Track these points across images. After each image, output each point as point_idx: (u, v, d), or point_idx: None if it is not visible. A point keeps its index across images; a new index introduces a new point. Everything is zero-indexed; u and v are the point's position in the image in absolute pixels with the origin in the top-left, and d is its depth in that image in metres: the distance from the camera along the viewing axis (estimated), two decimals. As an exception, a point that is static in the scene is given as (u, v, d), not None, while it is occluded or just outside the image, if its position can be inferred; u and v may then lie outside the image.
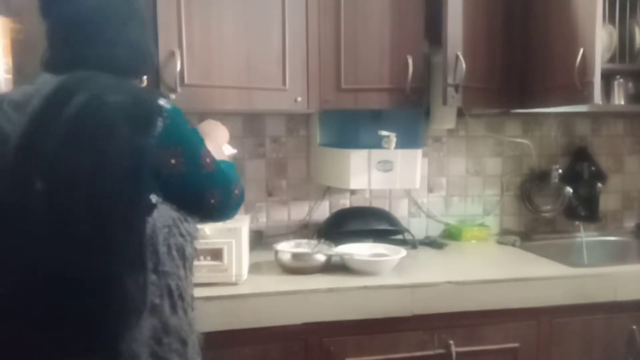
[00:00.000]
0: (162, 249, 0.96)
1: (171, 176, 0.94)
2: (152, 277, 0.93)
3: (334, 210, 2.13)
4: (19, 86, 1.00)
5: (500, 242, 2.12)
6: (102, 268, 0.88)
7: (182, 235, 1.02)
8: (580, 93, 1.59)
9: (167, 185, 0.94)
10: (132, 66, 1.06)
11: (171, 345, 0.98)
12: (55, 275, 0.87)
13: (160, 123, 0.92)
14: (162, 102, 0.95)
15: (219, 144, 1.28)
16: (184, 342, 1.01)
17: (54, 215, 0.86)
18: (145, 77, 1.14)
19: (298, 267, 1.63)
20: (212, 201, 1.01)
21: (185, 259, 1.03)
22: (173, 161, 0.94)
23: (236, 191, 1.06)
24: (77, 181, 0.87)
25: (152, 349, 0.95)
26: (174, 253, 0.99)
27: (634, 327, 1.67)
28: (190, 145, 0.98)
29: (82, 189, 0.87)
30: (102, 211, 0.88)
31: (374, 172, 1.84)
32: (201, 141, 1.01)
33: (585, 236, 2.12)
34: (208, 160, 1.00)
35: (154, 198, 0.93)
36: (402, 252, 1.69)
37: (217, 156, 1.09)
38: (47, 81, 0.95)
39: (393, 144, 1.75)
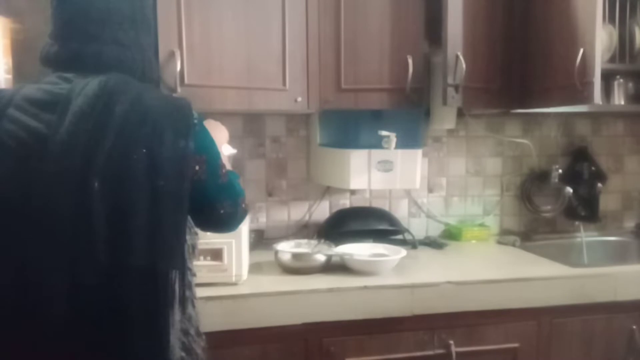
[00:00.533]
0: (187, 246, 1.02)
1: (194, 182, 0.96)
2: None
3: (334, 210, 2.13)
4: (26, 84, 0.98)
5: (500, 242, 2.12)
6: (150, 264, 0.91)
7: (196, 233, 1.09)
8: (580, 93, 1.59)
9: (191, 191, 0.96)
10: (139, 68, 1.06)
11: (193, 335, 1.05)
12: (112, 271, 0.89)
13: (194, 129, 0.96)
14: (193, 109, 0.99)
15: (219, 144, 1.28)
16: (198, 332, 1.07)
17: (110, 216, 0.88)
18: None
19: (298, 267, 1.63)
20: (222, 212, 1.03)
21: (194, 256, 1.09)
22: (197, 168, 0.96)
23: (243, 205, 1.08)
24: (131, 179, 0.89)
25: (181, 340, 1.02)
26: (191, 249, 1.05)
27: (634, 327, 1.67)
28: (212, 154, 1.01)
29: (136, 189, 0.90)
30: (156, 212, 0.90)
31: (374, 172, 1.84)
32: (219, 152, 1.04)
33: (585, 236, 2.12)
34: (224, 171, 1.03)
35: None
36: (402, 252, 1.69)
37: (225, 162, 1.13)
38: (83, 81, 0.95)
39: (393, 144, 1.75)
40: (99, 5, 1.00)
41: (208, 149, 1.01)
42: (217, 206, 1.02)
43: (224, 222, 1.06)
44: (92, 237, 0.88)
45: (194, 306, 1.07)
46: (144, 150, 0.90)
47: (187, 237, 1.02)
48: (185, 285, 1.01)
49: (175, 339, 0.99)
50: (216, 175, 1.01)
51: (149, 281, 0.92)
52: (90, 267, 0.88)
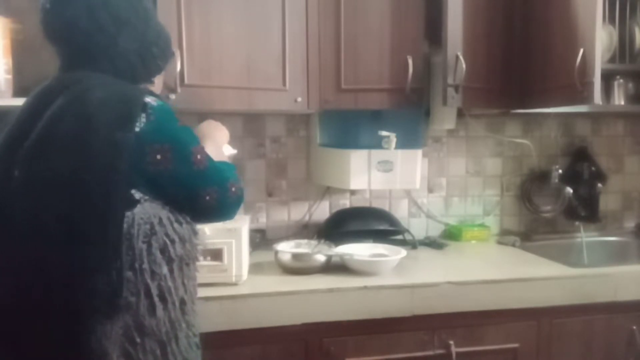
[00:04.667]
0: (141, 246, 0.93)
1: (158, 173, 0.94)
2: (128, 274, 0.92)
3: (334, 210, 2.13)
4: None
5: (500, 243, 2.12)
6: (72, 262, 0.88)
7: (167, 235, 0.98)
8: (580, 93, 1.59)
9: (156, 181, 0.94)
10: (148, 71, 1.07)
11: (145, 346, 0.95)
12: (27, 267, 0.89)
13: (143, 119, 0.93)
14: (148, 99, 0.95)
15: (219, 144, 1.28)
16: (162, 344, 0.97)
17: (28, 207, 0.89)
18: (154, 79, 1.13)
19: (298, 268, 1.63)
20: (208, 198, 1.00)
21: (170, 259, 0.99)
22: (159, 157, 0.93)
23: (233, 189, 1.04)
24: (52, 169, 0.89)
25: (124, 348, 0.93)
26: (155, 252, 0.96)
27: (634, 327, 1.67)
28: (178, 142, 0.97)
29: (56, 177, 0.89)
30: (75, 204, 0.88)
31: (374, 173, 1.84)
32: (193, 139, 1.01)
33: (585, 236, 2.12)
34: (199, 157, 0.99)
35: (137, 194, 0.92)
36: (402, 252, 1.69)
37: (217, 157, 1.09)
38: (48, 81, 1.00)
39: (393, 144, 1.75)
40: (86, 11, 0.99)
41: (171, 137, 0.96)
42: (199, 193, 0.99)
43: (215, 209, 1.03)
44: (8, 228, 0.90)
45: (153, 314, 0.96)
46: (70, 141, 0.90)
47: (154, 238, 0.95)
48: (130, 289, 0.92)
49: (112, 345, 0.91)
50: (187, 162, 0.97)
51: (65, 279, 0.89)
52: (7, 258, 0.90)
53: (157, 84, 1.16)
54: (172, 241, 0.98)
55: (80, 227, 0.88)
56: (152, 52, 1.07)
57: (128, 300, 0.92)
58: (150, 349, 0.96)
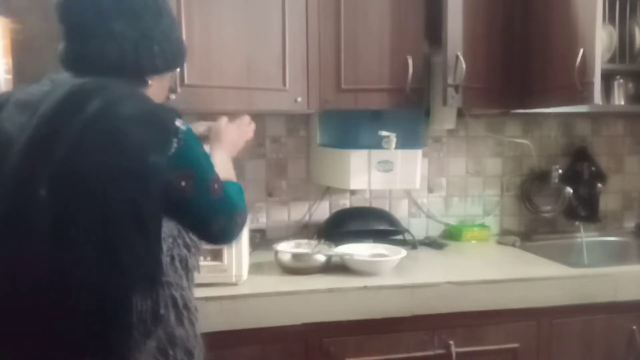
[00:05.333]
0: (166, 259, 0.95)
1: (180, 198, 0.91)
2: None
3: (334, 210, 2.13)
4: (25, 85, 0.97)
5: (500, 243, 2.12)
6: (106, 284, 0.85)
7: (186, 245, 1.02)
8: (580, 93, 1.59)
9: (175, 206, 0.92)
10: (139, 64, 1.00)
11: (177, 356, 0.97)
12: (58, 289, 0.84)
13: (174, 144, 0.89)
14: (178, 122, 0.92)
15: (234, 151, 1.25)
16: (190, 354, 1.00)
17: (57, 227, 0.83)
18: (149, 79, 1.04)
19: (298, 268, 1.63)
20: (215, 227, 0.99)
21: (188, 270, 1.03)
22: (183, 183, 0.91)
23: (238, 219, 1.02)
24: (83, 192, 0.84)
25: None
26: (177, 264, 0.99)
27: (634, 327, 1.67)
28: (201, 170, 0.95)
29: (87, 200, 0.84)
30: (109, 227, 0.84)
31: (374, 173, 1.84)
32: (211, 166, 0.99)
33: (585, 236, 2.12)
34: (217, 186, 0.97)
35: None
36: (402, 252, 1.69)
37: (227, 171, 1.09)
38: (60, 84, 0.92)
39: (393, 144, 1.74)
40: (90, 4, 0.96)
41: (196, 164, 0.94)
42: (210, 221, 0.97)
43: (216, 237, 1.02)
44: (32, 250, 0.83)
45: (181, 324, 0.98)
46: (102, 162, 0.84)
47: (176, 250, 0.97)
48: (160, 303, 0.93)
49: (147, 358, 0.93)
50: (207, 191, 0.95)
51: (97, 300, 0.85)
52: (29, 284, 0.84)
53: (156, 90, 1.06)
54: (190, 251, 1.02)
55: (110, 251, 0.84)
56: (151, 49, 1.00)
57: (160, 313, 0.93)
58: (180, 359, 0.98)
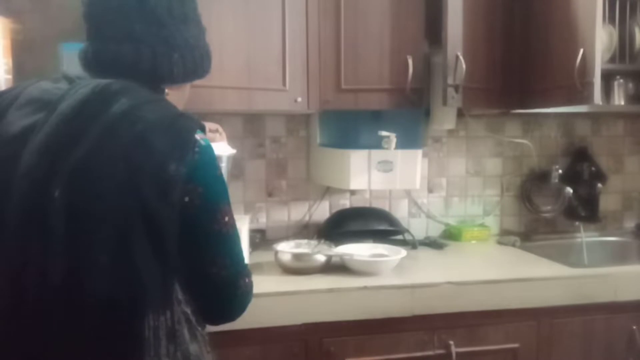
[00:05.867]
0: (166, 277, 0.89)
1: (184, 216, 0.85)
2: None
3: (334, 210, 2.13)
4: (35, 81, 0.94)
5: (500, 243, 2.12)
6: (117, 293, 0.80)
7: None
8: (580, 93, 1.59)
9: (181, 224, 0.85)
10: (156, 71, 0.96)
11: None
12: (69, 293, 0.80)
13: (190, 155, 0.85)
14: (198, 136, 0.88)
15: None
16: None
17: (71, 228, 0.79)
18: (166, 88, 1.00)
19: (298, 268, 1.63)
20: (214, 270, 0.90)
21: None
22: (187, 199, 0.84)
23: (247, 279, 0.96)
24: (100, 195, 0.80)
25: None
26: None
27: (634, 327, 1.67)
28: (211, 191, 0.88)
29: (102, 204, 0.80)
30: (123, 234, 0.80)
31: (374, 173, 1.84)
32: (225, 196, 0.91)
33: (585, 236, 2.12)
34: (226, 219, 0.89)
35: None
36: (402, 252, 1.69)
37: None
38: (82, 83, 0.89)
39: (393, 145, 1.74)
40: (114, 4, 0.94)
41: (207, 183, 0.87)
42: (206, 259, 0.89)
43: (213, 287, 0.91)
44: (47, 252, 0.79)
45: (194, 339, 0.92)
46: (122, 165, 0.80)
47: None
48: (175, 319, 0.88)
49: None
50: (210, 217, 0.88)
51: (110, 312, 0.80)
52: (42, 285, 0.80)
53: (174, 98, 1.01)
54: None
55: (125, 262, 0.80)
56: (170, 56, 0.96)
57: (174, 328, 0.88)
58: None
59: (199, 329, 0.94)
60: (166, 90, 0.99)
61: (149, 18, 0.94)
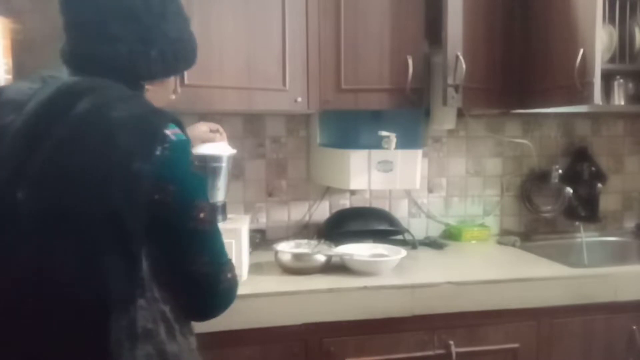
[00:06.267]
0: (148, 274, 0.87)
1: (154, 216, 0.83)
2: (140, 302, 0.86)
3: (334, 210, 2.13)
4: (17, 82, 0.94)
5: (500, 243, 2.12)
6: (82, 293, 0.81)
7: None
8: (580, 93, 1.59)
9: (153, 225, 0.84)
10: (134, 69, 0.94)
11: None
12: (36, 293, 0.81)
13: (157, 152, 0.83)
14: (168, 131, 0.86)
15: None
16: None
17: (38, 229, 0.80)
18: (146, 84, 0.99)
19: (298, 268, 1.63)
20: (194, 267, 0.88)
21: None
22: (157, 197, 0.82)
23: (229, 274, 0.93)
24: (65, 196, 0.80)
25: None
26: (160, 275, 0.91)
27: (634, 327, 1.67)
28: (183, 188, 0.85)
29: (68, 205, 0.80)
30: (87, 235, 0.80)
31: (374, 173, 1.84)
32: (202, 191, 0.90)
33: (585, 236, 2.12)
34: (202, 215, 0.87)
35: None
36: (402, 252, 1.69)
37: None
38: (51, 82, 0.89)
39: (393, 145, 1.74)
40: (96, 5, 0.93)
41: (178, 180, 0.84)
42: (186, 257, 0.87)
43: (194, 285, 0.89)
44: (9, 254, 0.80)
45: (173, 339, 0.91)
46: (87, 165, 0.80)
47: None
48: (150, 318, 0.87)
49: None
50: (186, 215, 0.85)
51: (77, 312, 0.81)
52: (11, 285, 0.81)
53: (156, 94, 1.01)
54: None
55: (91, 260, 0.81)
56: (147, 54, 0.94)
57: (147, 328, 0.87)
58: None
59: (178, 327, 0.92)
60: (146, 87, 0.98)
61: (126, 15, 0.93)
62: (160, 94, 1.03)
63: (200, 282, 0.90)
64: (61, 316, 0.81)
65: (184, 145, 0.88)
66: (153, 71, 0.97)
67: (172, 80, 1.07)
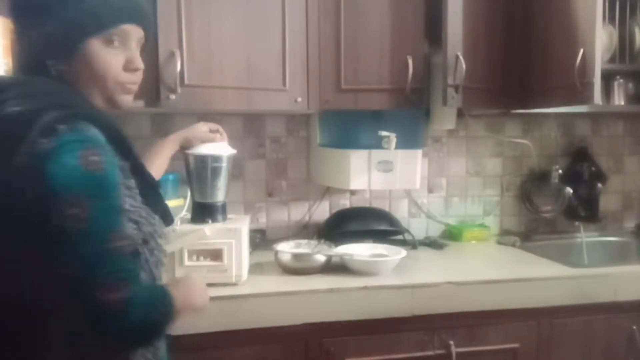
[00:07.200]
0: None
1: (30, 210, 0.79)
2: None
3: (334, 210, 2.13)
4: None
5: (500, 243, 2.12)
6: (6, 301, 0.81)
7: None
8: (580, 93, 1.59)
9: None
10: (38, 55, 0.88)
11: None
12: None
13: (43, 143, 0.78)
14: (62, 126, 0.80)
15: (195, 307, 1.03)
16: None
17: None
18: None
19: (298, 268, 1.63)
20: (64, 270, 0.79)
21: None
22: (29, 191, 0.79)
23: (111, 295, 0.78)
24: None
25: None
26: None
27: (634, 327, 1.67)
28: (53, 181, 0.78)
29: None
30: (3, 235, 0.80)
31: (374, 173, 1.84)
32: (77, 186, 0.79)
33: (585, 236, 2.12)
34: (78, 211, 0.77)
35: None
36: (402, 252, 1.69)
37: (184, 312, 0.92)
38: None
39: (393, 145, 1.74)
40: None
41: (53, 174, 0.78)
42: (56, 258, 0.79)
43: (72, 294, 0.80)
44: None
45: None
46: None
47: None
48: (76, 324, 0.81)
49: None
50: (53, 209, 0.77)
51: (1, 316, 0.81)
52: None
53: (80, 69, 0.90)
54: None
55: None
56: (42, 30, 0.87)
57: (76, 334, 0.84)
58: None
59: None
60: (60, 67, 0.88)
61: (28, 10, 0.90)
62: (92, 69, 0.90)
63: (71, 291, 0.79)
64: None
65: (72, 139, 0.81)
66: (52, 46, 0.88)
67: (87, 51, 0.89)
